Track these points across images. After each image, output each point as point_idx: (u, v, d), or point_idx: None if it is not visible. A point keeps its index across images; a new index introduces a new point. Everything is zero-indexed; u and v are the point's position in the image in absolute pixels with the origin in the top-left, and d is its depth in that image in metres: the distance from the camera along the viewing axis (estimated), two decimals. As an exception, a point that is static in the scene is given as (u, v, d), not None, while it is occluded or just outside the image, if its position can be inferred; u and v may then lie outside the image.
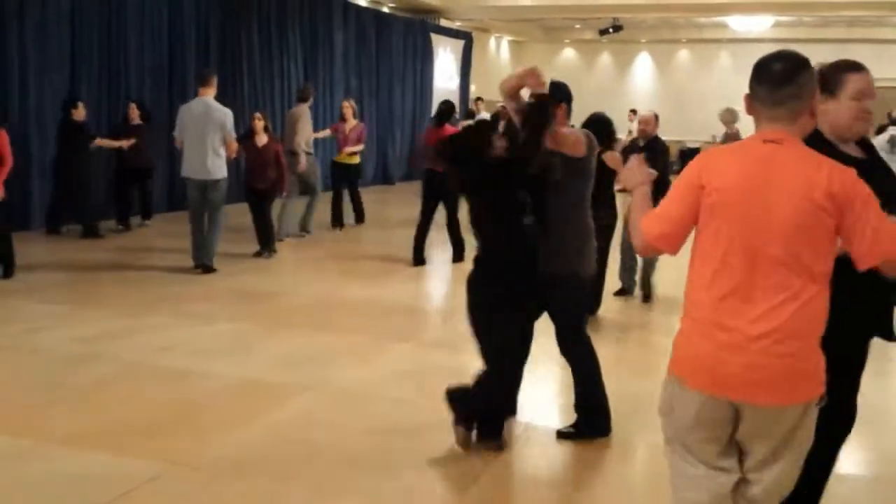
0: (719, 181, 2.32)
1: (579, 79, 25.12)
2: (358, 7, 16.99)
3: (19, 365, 5.27)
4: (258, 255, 8.92)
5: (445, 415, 4.02)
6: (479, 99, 19.13)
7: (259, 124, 8.77)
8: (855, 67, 2.84)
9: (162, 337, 5.95)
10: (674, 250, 2.43)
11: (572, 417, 4.34)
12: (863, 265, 2.28)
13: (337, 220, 11.04)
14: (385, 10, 18.24)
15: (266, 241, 8.94)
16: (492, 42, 24.60)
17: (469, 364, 4.23)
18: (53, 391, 4.79)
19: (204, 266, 8.04)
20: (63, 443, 4.05)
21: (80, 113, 9.63)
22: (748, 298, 2.26)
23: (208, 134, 7.89)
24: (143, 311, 6.62)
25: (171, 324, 6.31)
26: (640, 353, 6.10)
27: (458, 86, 21.07)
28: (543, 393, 5.07)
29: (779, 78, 2.30)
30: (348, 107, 10.89)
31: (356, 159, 10.89)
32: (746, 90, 2.38)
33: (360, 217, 11.60)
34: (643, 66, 24.99)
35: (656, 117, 7.63)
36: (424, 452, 4.05)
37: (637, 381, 5.10)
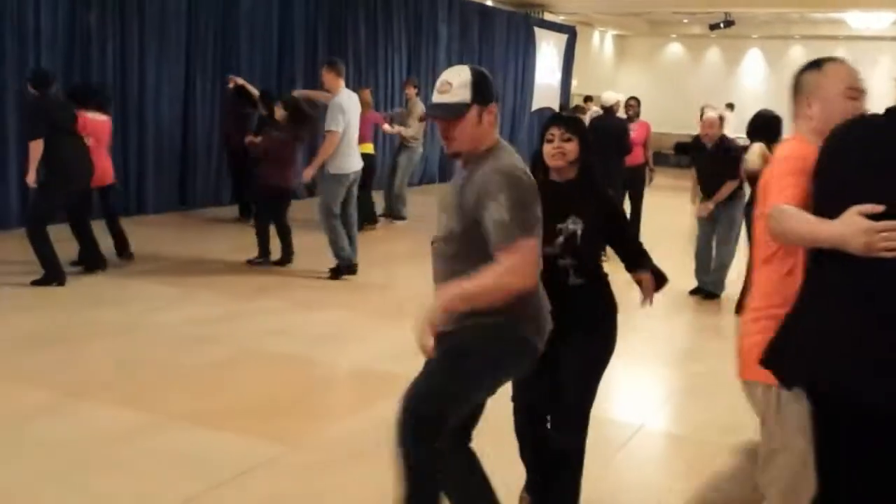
0: None
1: (684, 75, 24.50)
2: (462, 0, 17.00)
3: (140, 344, 5.44)
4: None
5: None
6: (588, 98, 18.57)
7: (279, 112, 8.03)
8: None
9: (275, 321, 6.05)
10: None
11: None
12: None
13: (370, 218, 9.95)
14: (489, 3, 18.18)
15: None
16: (595, 36, 24.26)
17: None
18: (173, 370, 4.93)
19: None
20: (184, 420, 4.16)
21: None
22: None
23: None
24: (256, 296, 6.76)
25: (284, 308, 6.42)
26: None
27: (559, 81, 20.84)
28: (655, 394, 4.93)
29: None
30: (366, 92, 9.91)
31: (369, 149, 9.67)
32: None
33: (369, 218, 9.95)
34: (753, 63, 24.09)
35: (721, 119, 7.38)
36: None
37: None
